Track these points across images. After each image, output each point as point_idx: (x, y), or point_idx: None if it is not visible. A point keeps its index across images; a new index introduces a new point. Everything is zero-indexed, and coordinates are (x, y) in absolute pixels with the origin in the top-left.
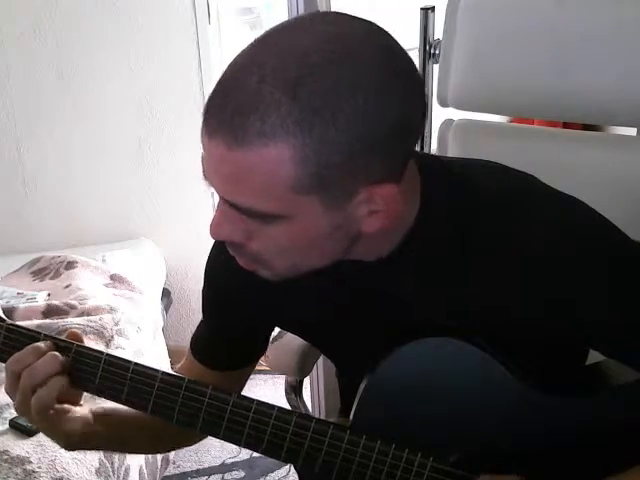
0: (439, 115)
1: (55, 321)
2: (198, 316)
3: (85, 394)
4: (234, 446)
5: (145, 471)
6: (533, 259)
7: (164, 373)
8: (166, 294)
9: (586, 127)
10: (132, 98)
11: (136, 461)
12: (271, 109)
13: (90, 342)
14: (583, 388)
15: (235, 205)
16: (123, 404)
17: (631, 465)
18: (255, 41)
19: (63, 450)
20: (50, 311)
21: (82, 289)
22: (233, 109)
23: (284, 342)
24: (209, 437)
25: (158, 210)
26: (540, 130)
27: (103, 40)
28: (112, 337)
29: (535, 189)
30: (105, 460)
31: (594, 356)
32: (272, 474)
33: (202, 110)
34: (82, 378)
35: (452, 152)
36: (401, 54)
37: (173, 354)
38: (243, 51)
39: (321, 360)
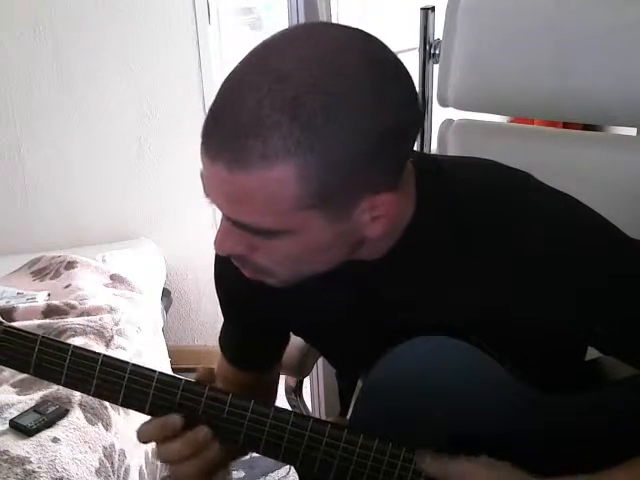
0: (439, 115)
1: (55, 321)
2: (198, 316)
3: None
4: None
5: (145, 471)
6: (532, 258)
7: (161, 374)
8: (166, 294)
9: (586, 127)
10: (132, 98)
11: (136, 461)
12: (272, 131)
13: (90, 342)
14: (581, 385)
15: (239, 223)
16: (120, 405)
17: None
18: (243, 62)
19: (63, 450)
20: (50, 311)
21: (82, 289)
22: (233, 133)
23: None
24: None
25: (158, 210)
26: (540, 130)
27: (103, 40)
28: (112, 337)
29: (533, 187)
30: (105, 460)
31: (592, 353)
32: (272, 474)
33: (202, 110)
34: (80, 379)
35: (452, 152)
36: (391, 60)
37: (173, 354)
38: (233, 73)
39: (321, 360)
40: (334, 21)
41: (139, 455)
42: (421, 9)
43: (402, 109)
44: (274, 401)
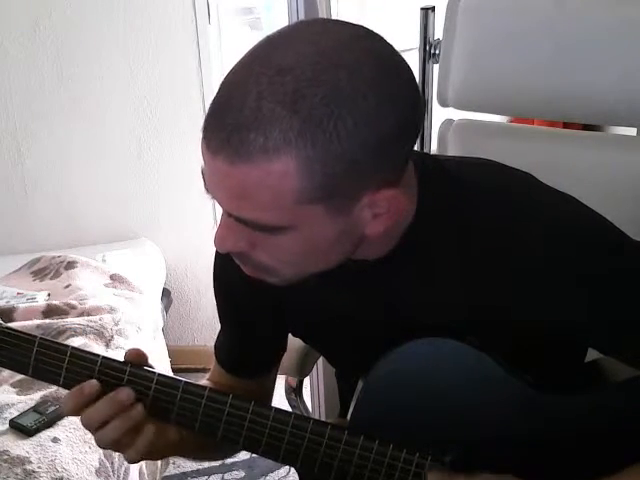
0: (439, 115)
1: (55, 321)
2: (198, 316)
3: None
4: None
5: (145, 471)
6: (532, 258)
7: (160, 375)
8: (166, 294)
9: (586, 127)
10: (132, 98)
11: None
12: (273, 124)
13: (90, 342)
14: (581, 386)
15: (240, 219)
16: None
17: (631, 463)
18: (247, 55)
19: (63, 450)
20: (50, 311)
21: (82, 289)
22: (234, 127)
23: None
24: None
25: (158, 210)
26: (540, 130)
27: (103, 40)
28: (112, 337)
29: (534, 188)
30: (105, 460)
31: (593, 354)
32: (272, 474)
33: (202, 110)
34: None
35: (452, 152)
36: (393, 57)
37: (173, 354)
38: (235, 67)
39: (321, 360)
40: None
41: None
42: (421, 9)
43: (404, 106)
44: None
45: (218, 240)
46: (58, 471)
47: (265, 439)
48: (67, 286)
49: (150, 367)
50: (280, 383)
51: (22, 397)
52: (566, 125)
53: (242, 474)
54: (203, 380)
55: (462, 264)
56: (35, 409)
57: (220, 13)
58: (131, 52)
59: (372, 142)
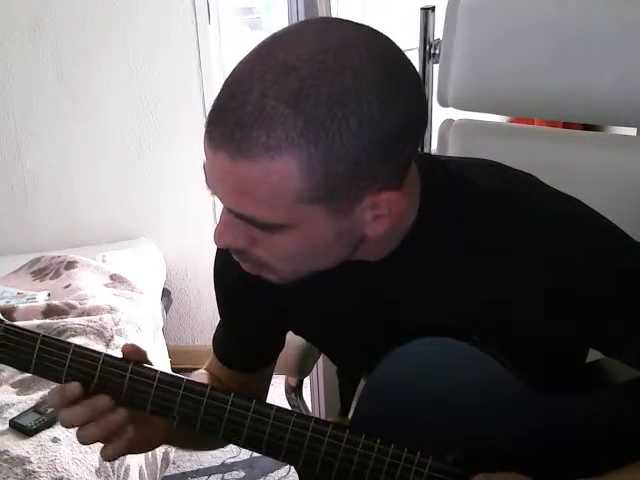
0: (439, 115)
1: (55, 321)
2: (198, 316)
3: None
4: (234, 446)
5: (145, 471)
6: (534, 259)
7: (162, 373)
8: (166, 294)
9: (586, 127)
10: (132, 98)
11: (136, 461)
12: (276, 122)
13: (90, 342)
14: (582, 386)
15: (239, 215)
16: (121, 404)
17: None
18: (251, 54)
19: (63, 450)
20: (50, 311)
21: (82, 289)
22: (237, 124)
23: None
24: None
25: (158, 210)
26: (540, 130)
27: (103, 40)
28: (112, 337)
29: (535, 188)
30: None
31: (594, 355)
32: (272, 474)
33: (202, 110)
34: (81, 379)
35: (452, 152)
36: (399, 58)
37: (173, 354)
38: (240, 64)
39: (321, 360)
40: None
41: (139, 455)
42: (421, 9)
43: (408, 108)
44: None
45: (217, 235)
46: (58, 471)
47: (266, 438)
48: (67, 286)
49: (150, 364)
50: (280, 383)
51: (22, 397)
52: (566, 125)
53: (242, 474)
54: (201, 369)
55: (463, 264)
56: (35, 409)
57: (220, 13)
58: (131, 52)
59: (375, 144)
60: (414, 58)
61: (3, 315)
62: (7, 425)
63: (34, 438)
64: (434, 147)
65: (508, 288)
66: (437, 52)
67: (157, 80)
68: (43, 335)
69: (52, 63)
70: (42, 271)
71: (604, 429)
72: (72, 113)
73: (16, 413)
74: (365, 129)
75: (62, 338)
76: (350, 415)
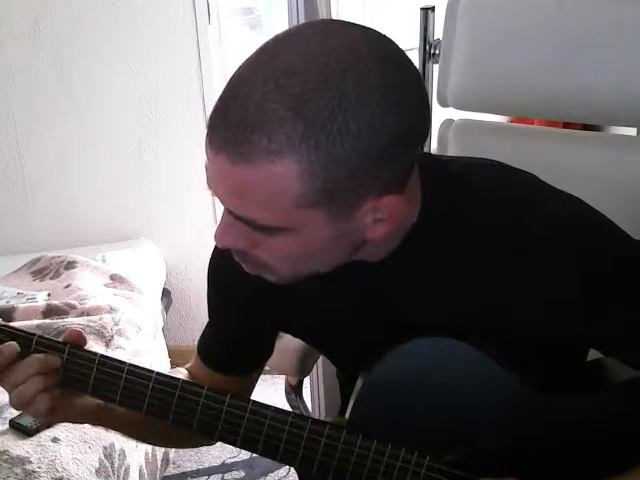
0: (439, 115)
1: (55, 321)
2: (198, 316)
3: None
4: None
5: (145, 471)
6: (534, 258)
7: (158, 374)
8: (166, 294)
9: (586, 127)
10: (132, 98)
11: (136, 461)
12: (277, 126)
13: (90, 342)
14: (582, 387)
15: (239, 217)
16: (118, 404)
17: (631, 464)
18: (254, 56)
19: (63, 450)
20: (50, 311)
21: (82, 289)
22: (238, 126)
23: (284, 342)
24: None
25: (158, 210)
26: (540, 130)
27: (103, 40)
28: (112, 337)
29: (536, 188)
30: (105, 460)
31: (594, 354)
32: (272, 474)
33: (202, 110)
34: (74, 379)
35: (452, 152)
36: (402, 61)
37: (173, 354)
38: (243, 66)
39: (321, 360)
40: None
41: (139, 455)
42: (421, 9)
43: (410, 113)
44: None
45: (218, 236)
46: (58, 471)
47: (263, 438)
48: (67, 286)
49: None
50: (280, 383)
51: None
52: (566, 125)
53: (242, 474)
54: (181, 369)
55: (463, 264)
56: None
57: (220, 13)
58: (131, 52)
59: (376, 149)
60: (414, 58)
61: (2, 316)
62: (7, 425)
63: (34, 438)
64: (434, 147)
65: (508, 288)
66: (437, 52)
67: (157, 80)
68: (38, 336)
69: (52, 63)
70: (42, 271)
71: (604, 429)
72: (72, 113)
73: (16, 413)
74: (366, 134)
75: (62, 338)
76: (347, 414)
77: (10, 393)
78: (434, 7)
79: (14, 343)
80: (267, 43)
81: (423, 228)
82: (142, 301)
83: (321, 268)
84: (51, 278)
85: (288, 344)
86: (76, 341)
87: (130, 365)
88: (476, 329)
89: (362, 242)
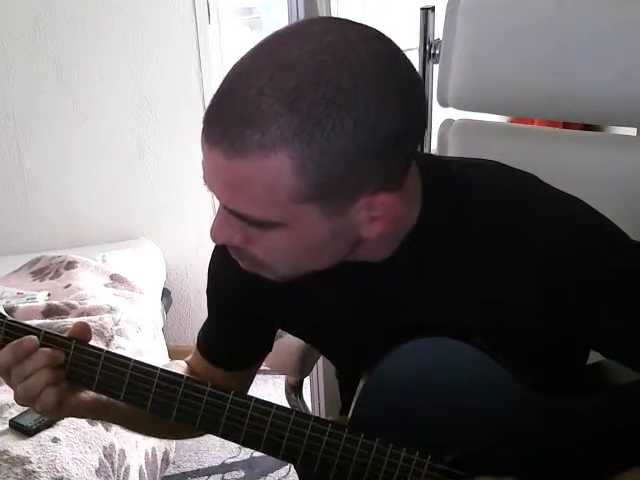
0: (439, 115)
1: (55, 321)
2: (198, 316)
3: None
4: (234, 446)
5: (145, 471)
6: (532, 258)
7: (163, 370)
8: (166, 294)
9: (586, 127)
10: (132, 98)
11: (136, 461)
12: (271, 121)
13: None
14: (583, 388)
15: (234, 212)
16: (122, 401)
17: (631, 465)
18: (251, 51)
19: (63, 450)
20: (50, 311)
21: (82, 289)
22: (232, 120)
23: (284, 342)
24: (210, 437)
25: (158, 210)
26: (540, 130)
27: (103, 40)
28: (112, 337)
29: (535, 188)
30: (105, 460)
31: (595, 356)
32: (272, 474)
33: (202, 110)
34: (80, 374)
35: (452, 152)
36: (399, 59)
37: (173, 354)
38: (240, 61)
39: (321, 360)
40: None
41: (139, 455)
42: (421, 9)
43: (408, 110)
44: None
45: (214, 232)
46: (58, 471)
47: (266, 435)
48: (67, 286)
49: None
50: (280, 383)
51: None
52: (566, 125)
53: (242, 474)
54: (181, 362)
55: (463, 264)
56: None
57: (220, 13)
58: (131, 52)
59: (371, 145)
60: (414, 58)
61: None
62: (7, 425)
63: (34, 438)
64: (434, 147)
65: (507, 288)
66: (437, 52)
67: (157, 80)
68: (45, 331)
69: (52, 63)
70: (42, 271)
71: (604, 431)
72: (72, 113)
73: (16, 413)
74: (360, 130)
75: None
76: (349, 414)
77: (16, 387)
78: (434, 7)
79: (34, 337)
80: (266, 39)
81: (423, 229)
82: (142, 301)
83: (317, 266)
84: (51, 278)
85: (288, 344)
86: (82, 335)
87: (135, 361)
88: (476, 329)
89: (358, 240)
